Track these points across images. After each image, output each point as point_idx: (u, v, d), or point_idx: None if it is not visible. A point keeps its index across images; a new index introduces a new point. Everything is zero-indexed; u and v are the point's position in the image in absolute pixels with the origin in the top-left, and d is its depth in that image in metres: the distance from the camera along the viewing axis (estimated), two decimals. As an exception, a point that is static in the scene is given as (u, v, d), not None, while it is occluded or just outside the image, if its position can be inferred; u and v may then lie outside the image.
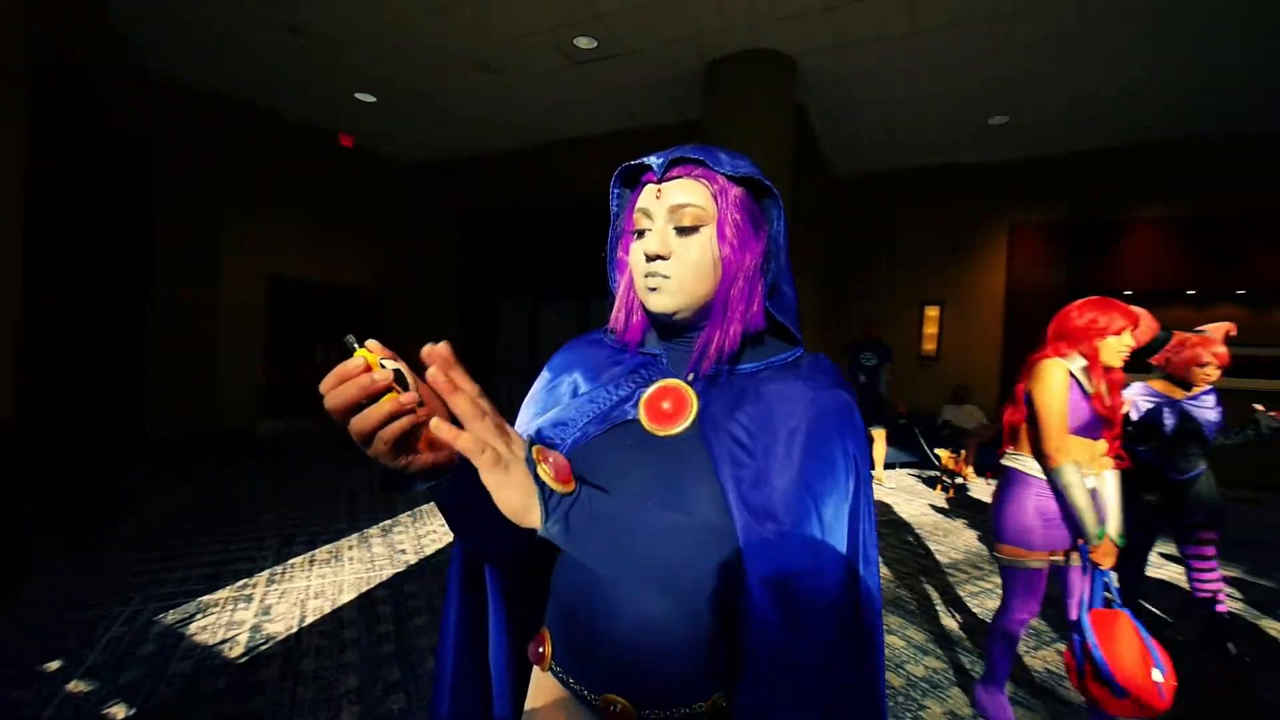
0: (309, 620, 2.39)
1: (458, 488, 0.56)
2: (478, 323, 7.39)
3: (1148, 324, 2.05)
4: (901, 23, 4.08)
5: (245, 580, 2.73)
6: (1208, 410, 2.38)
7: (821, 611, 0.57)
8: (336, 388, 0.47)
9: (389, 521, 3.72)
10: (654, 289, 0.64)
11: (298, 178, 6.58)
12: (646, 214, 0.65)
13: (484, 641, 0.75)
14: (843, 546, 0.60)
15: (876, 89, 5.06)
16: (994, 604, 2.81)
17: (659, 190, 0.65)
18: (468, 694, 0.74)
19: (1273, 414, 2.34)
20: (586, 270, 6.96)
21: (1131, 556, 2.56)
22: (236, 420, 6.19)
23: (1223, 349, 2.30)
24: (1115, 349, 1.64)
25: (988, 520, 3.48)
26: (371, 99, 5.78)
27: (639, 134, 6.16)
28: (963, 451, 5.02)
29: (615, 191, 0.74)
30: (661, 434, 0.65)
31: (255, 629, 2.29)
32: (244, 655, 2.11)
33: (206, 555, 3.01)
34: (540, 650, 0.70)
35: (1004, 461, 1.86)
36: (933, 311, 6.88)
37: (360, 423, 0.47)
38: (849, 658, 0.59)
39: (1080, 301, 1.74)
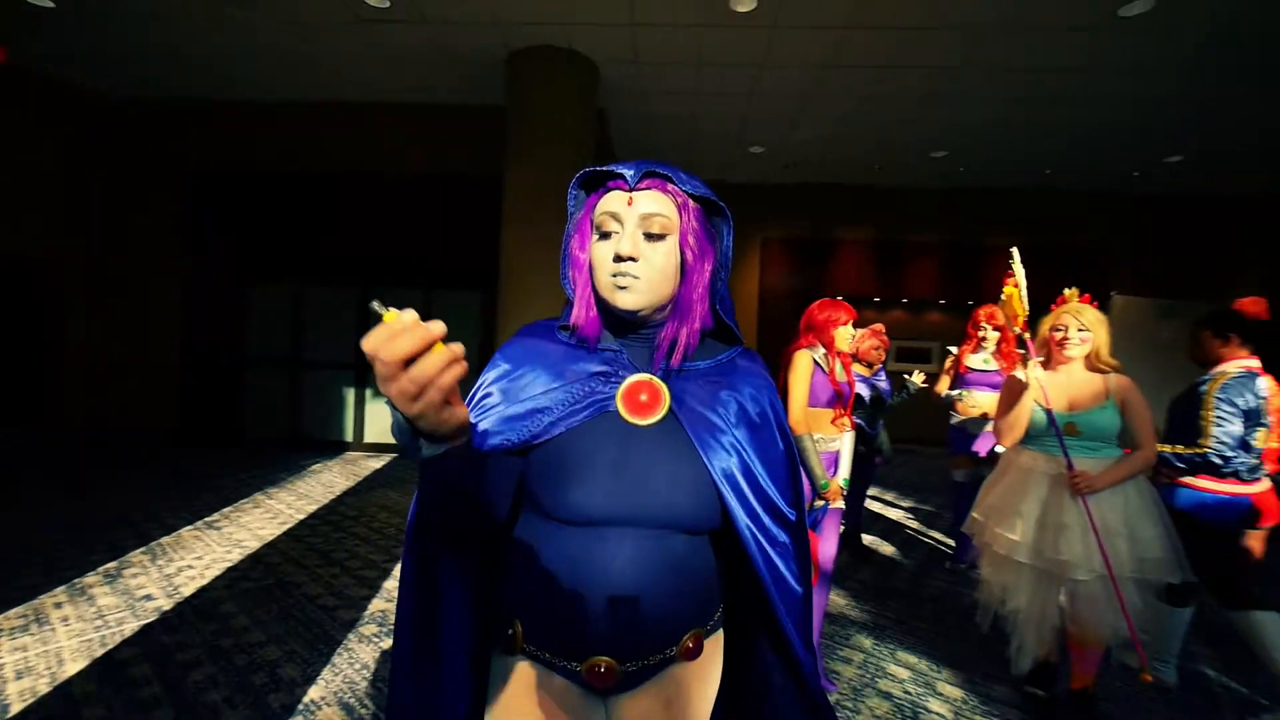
0: (19, 708, 1.79)
1: (469, 448, 0.58)
2: (214, 310, 6.07)
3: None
4: (692, 52, 4.58)
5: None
6: (882, 383, 3.34)
7: (797, 551, 0.77)
8: (390, 342, 0.47)
9: (113, 564, 2.92)
10: (623, 288, 0.71)
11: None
12: (616, 218, 0.72)
13: (435, 636, 0.75)
14: (797, 505, 0.78)
15: (667, 106, 5.57)
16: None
17: (630, 198, 0.71)
18: (429, 686, 0.74)
19: (918, 378, 3.25)
20: (368, 248, 6.29)
21: (854, 496, 3.44)
22: None
23: (882, 339, 3.32)
24: (844, 336, 2.20)
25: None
26: (49, 3, 4.30)
27: (436, 109, 5.74)
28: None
29: (572, 193, 0.79)
30: (641, 423, 0.73)
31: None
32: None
33: None
34: (509, 634, 0.75)
35: None
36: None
37: (420, 371, 0.48)
38: (806, 580, 0.78)
39: (818, 301, 2.29)
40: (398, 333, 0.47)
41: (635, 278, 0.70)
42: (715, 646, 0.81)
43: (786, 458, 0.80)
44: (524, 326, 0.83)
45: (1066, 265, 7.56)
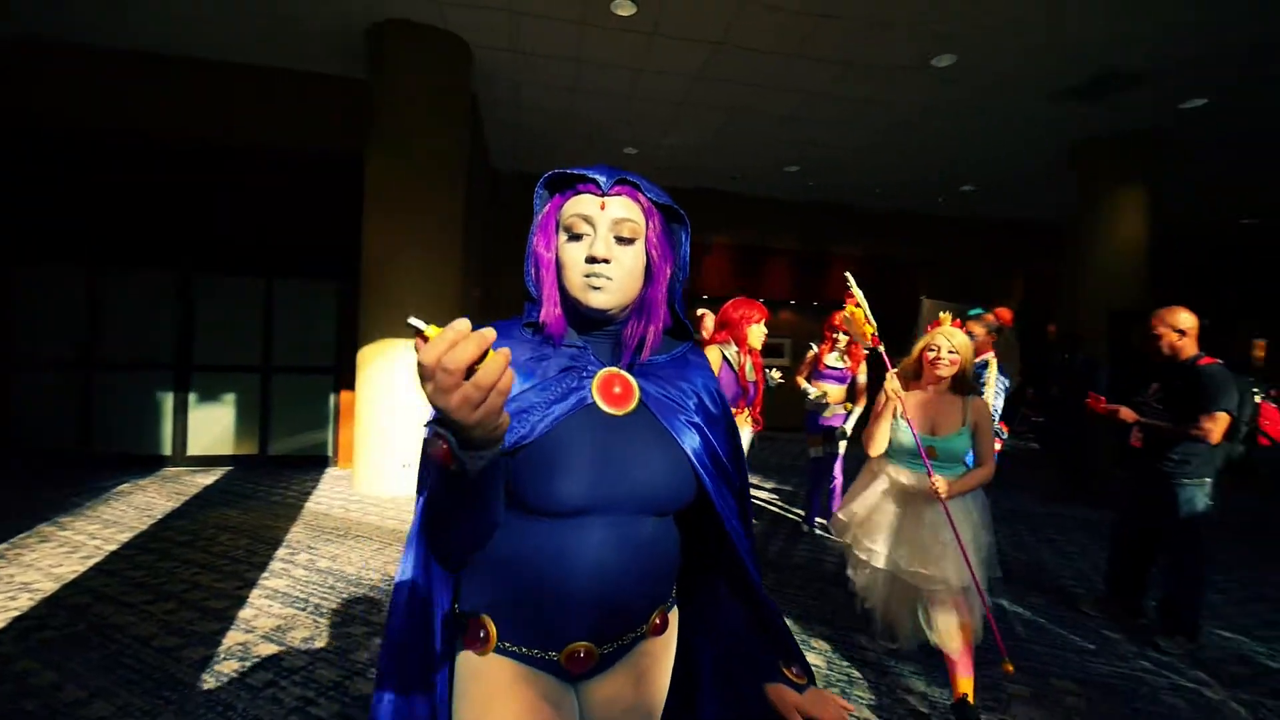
0: None
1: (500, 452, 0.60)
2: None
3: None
4: (571, 47, 4.58)
5: None
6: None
7: (750, 522, 0.88)
8: (453, 352, 0.46)
9: None
10: (597, 288, 0.73)
11: None
12: (588, 221, 0.74)
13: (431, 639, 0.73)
14: (742, 477, 0.87)
15: (543, 99, 5.50)
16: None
17: (603, 203, 0.74)
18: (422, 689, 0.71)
19: (775, 375, 3.67)
20: (189, 227, 5.36)
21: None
22: None
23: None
24: (757, 334, 2.39)
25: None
26: None
27: (296, 76, 5.08)
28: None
29: (539, 192, 0.80)
30: (617, 414, 0.77)
31: None
32: None
33: None
34: (482, 635, 0.75)
35: None
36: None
37: (485, 377, 0.48)
38: (752, 536, 0.89)
39: (733, 300, 2.46)
40: (456, 341, 0.46)
41: (608, 279, 0.73)
42: (674, 619, 0.87)
43: (733, 437, 0.88)
44: (500, 321, 0.82)
45: (891, 274, 8.76)
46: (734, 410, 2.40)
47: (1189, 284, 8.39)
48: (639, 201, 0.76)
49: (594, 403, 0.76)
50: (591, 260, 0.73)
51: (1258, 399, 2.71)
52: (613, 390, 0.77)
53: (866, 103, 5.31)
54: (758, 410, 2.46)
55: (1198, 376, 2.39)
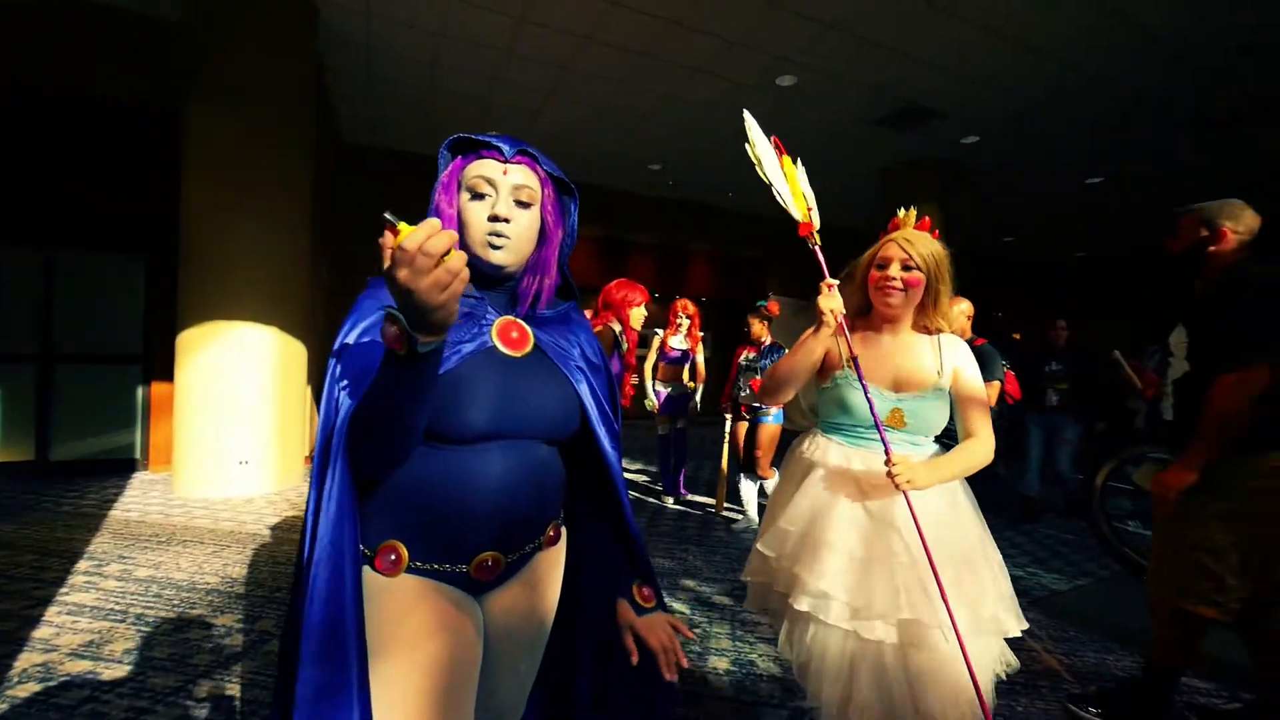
0: None
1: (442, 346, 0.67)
2: None
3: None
4: (432, 20, 4.40)
5: None
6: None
7: (621, 458, 1.00)
8: (432, 239, 0.55)
9: None
10: (497, 247, 0.82)
11: None
12: (490, 183, 0.82)
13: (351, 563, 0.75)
14: (617, 418, 1.01)
15: (400, 72, 5.20)
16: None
17: (506, 169, 0.83)
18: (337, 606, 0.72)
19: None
20: (47, 204, 4.20)
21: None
22: None
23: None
24: (637, 316, 2.56)
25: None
26: None
27: (86, 9, 4.23)
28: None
29: (442, 153, 0.87)
30: (515, 355, 0.87)
31: None
32: None
33: None
34: (392, 559, 0.80)
35: None
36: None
37: (454, 262, 0.57)
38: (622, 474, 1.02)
39: (616, 281, 2.61)
40: (436, 233, 0.55)
41: (507, 238, 0.81)
42: (564, 534, 1.00)
43: (610, 385, 1.02)
44: (377, 278, 0.86)
45: (743, 270, 9.55)
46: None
47: (971, 289, 10.27)
48: (537, 171, 0.85)
49: (494, 345, 0.85)
50: (494, 219, 0.81)
51: (1005, 369, 3.49)
52: (510, 335, 0.87)
53: (714, 108, 5.77)
54: (630, 387, 2.65)
55: (976, 353, 3.07)
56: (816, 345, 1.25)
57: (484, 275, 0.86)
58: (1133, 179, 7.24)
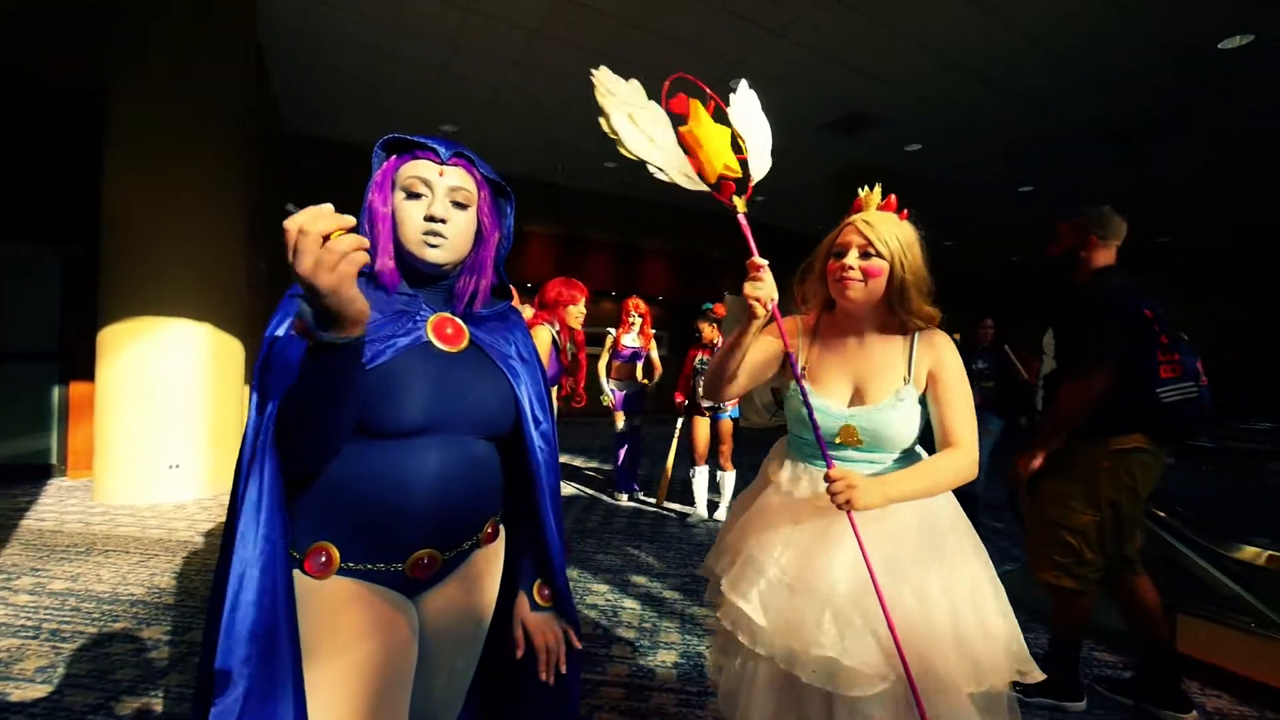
0: None
1: (361, 344, 0.66)
2: None
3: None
4: (382, 6, 4.27)
5: None
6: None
7: (554, 459, 1.01)
8: (315, 220, 0.56)
9: None
10: (434, 246, 0.82)
11: None
12: (426, 184, 0.82)
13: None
14: (548, 420, 1.00)
15: (347, 61, 5.02)
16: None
17: (442, 171, 0.83)
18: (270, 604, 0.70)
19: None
20: None
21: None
22: None
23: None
24: (575, 315, 2.55)
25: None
26: None
27: None
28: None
29: (377, 153, 0.87)
30: (451, 351, 0.87)
31: None
32: None
33: None
34: (323, 560, 0.79)
35: None
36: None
37: (339, 244, 0.57)
38: (557, 474, 1.03)
39: (553, 280, 2.59)
40: (320, 215, 0.57)
41: (444, 238, 0.82)
42: (501, 531, 1.00)
43: (542, 384, 1.04)
44: None
45: (698, 269, 9.66)
46: (554, 387, 2.55)
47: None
48: (473, 174, 0.86)
49: (429, 340, 0.85)
50: (430, 219, 0.81)
51: None
52: (445, 331, 0.87)
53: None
54: (581, 387, 2.65)
55: None
56: (745, 339, 1.05)
57: (420, 274, 0.86)
58: (1057, 188, 7.73)
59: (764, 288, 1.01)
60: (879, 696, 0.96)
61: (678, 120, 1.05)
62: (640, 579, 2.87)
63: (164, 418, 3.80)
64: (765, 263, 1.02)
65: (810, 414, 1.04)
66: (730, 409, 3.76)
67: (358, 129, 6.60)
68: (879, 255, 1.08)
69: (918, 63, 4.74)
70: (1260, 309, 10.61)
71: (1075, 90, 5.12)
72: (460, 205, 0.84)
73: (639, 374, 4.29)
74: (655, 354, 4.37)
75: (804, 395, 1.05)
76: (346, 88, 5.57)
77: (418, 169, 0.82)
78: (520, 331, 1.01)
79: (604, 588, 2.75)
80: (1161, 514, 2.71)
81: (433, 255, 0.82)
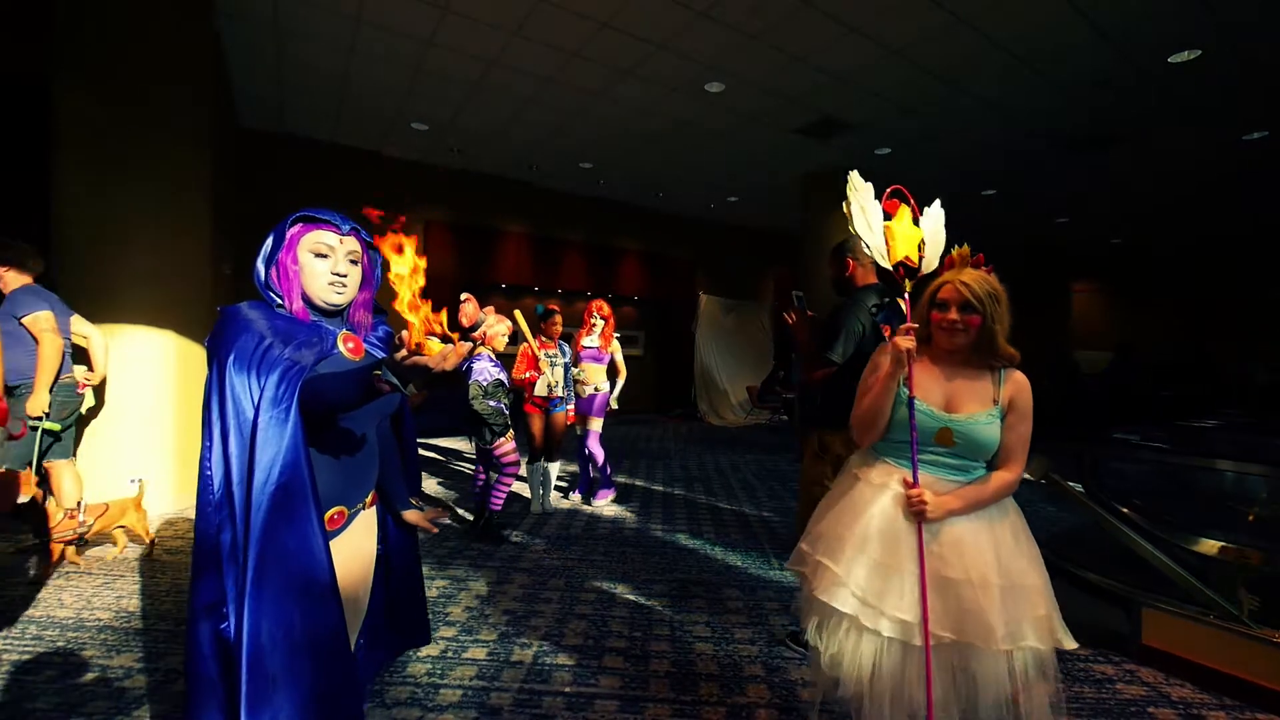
0: None
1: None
2: None
3: (474, 309, 3.32)
4: (352, 2, 4.15)
5: None
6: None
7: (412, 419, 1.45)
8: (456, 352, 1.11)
9: None
10: (339, 291, 1.15)
11: None
12: (330, 248, 1.13)
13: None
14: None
15: (315, 57, 4.87)
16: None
17: (341, 240, 1.14)
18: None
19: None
20: None
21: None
22: None
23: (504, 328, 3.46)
24: (500, 338, 2.77)
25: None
26: None
27: None
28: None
29: (287, 222, 1.13)
30: (355, 360, 1.16)
31: None
32: None
33: None
34: (336, 517, 1.17)
35: None
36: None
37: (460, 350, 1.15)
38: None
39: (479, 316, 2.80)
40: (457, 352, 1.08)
41: (345, 286, 1.16)
42: (375, 498, 1.33)
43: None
44: (243, 304, 1.09)
45: (673, 269, 9.66)
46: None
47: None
48: (360, 240, 1.18)
49: (339, 351, 1.14)
50: (336, 275, 1.14)
51: None
52: (348, 345, 1.16)
53: (645, 109, 5.82)
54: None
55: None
56: (893, 380, 1.36)
57: (324, 310, 1.17)
58: (1017, 192, 8.01)
59: (910, 343, 1.31)
60: (946, 646, 1.28)
61: (886, 216, 1.44)
62: (625, 587, 2.87)
63: (123, 430, 3.63)
64: (916, 326, 1.38)
65: (912, 413, 1.34)
66: (563, 405, 4.06)
67: (325, 127, 6.43)
68: (976, 310, 1.34)
69: (883, 67, 4.85)
70: (1208, 308, 11.18)
71: (1040, 98, 5.32)
72: (354, 262, 1.17)
73: (597, 375, 4.26)
74: (619, 357, 4.38)
75: (911, 399, 1.35)
76: (313, 85, 5.41)
77: (323, 236, 1.13)
78: (386, 338, 1.31)
79: (591, 595, 2.74)
80: (1124, 510, 2.84)
81: (337, 298, 1.15)
